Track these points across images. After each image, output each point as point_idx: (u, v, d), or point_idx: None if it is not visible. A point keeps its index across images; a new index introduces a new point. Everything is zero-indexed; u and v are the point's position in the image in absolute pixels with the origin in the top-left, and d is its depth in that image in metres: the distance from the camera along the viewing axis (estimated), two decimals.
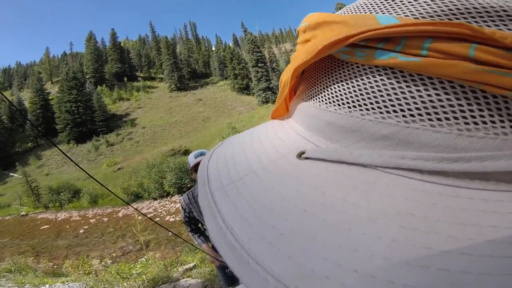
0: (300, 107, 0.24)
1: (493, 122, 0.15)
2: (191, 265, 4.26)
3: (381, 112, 0.17)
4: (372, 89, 0.18)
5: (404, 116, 0.17)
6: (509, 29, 0.15)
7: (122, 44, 70.96)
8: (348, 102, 0.19)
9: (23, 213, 22.13)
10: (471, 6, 0.16)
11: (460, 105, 0.15)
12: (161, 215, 13.98)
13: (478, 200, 0.14)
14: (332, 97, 0.21)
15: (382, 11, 0.19)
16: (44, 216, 19.93)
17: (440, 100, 0.16)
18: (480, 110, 0.15)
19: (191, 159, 2.00)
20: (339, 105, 0.20)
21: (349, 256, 0.13)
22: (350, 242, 0.14)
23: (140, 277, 3.73)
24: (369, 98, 0.18)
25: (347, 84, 0.20)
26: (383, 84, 0.18)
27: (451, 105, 0.16)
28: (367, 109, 0.18)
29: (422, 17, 0.17)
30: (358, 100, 0.19)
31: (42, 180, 28.06)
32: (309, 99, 0.23)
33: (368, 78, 0.18)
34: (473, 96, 0.15)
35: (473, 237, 0.13)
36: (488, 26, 0.15)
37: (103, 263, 5.16)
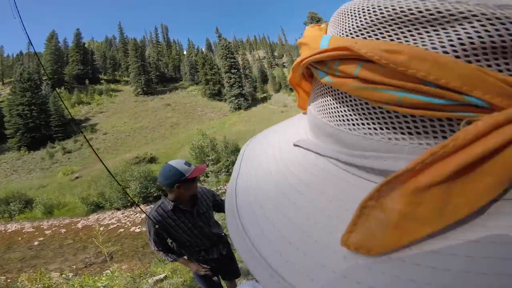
0: (307, 109, 0.29)
1: (381, 129, 0.19)
2: (162, 276, 4.18)
3: (328, 118, 0.23)
4: (324, 99, 0.24)
5: (337, 120, 0.22)
6: (401, 36, 0.17)
7: (86, 45, 67.04)
8: (317, 107, 0.25)
9: None
10: (377, 16, 0.18)
11: (359, 114, 0.20)
12: (126, 226, 13.39)
13: (368, 188, 0.17)
14: (314, 101, 0.26)
15: (329, 30, 0.24)
16: None
17: (350, 110, 0.20)
18: (371, 119, 0.19)
19: (184, 169, 1.78)
20: (315, 108, 0.26)
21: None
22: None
23: None
24: (324, 106, 0.24)
25: (316, 93, 0.26)
26: (326, 96, 0.23)
27: (359, 114, 0.20)
28: (324, 114, 0.24)
29: (350, 34, 0.20)
30: (320, 106, 0.24)
31: None
32: (309, 103, 0.29)
33: (322, 90, 0.24)
34: (366, 107, 0.19)
35: (349, 209, 0.17)
36: (396, 36, 0.17)
37: (63, 276, 4.85)
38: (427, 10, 0.16)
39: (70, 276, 5.25)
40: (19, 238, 14.43)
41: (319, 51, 0.20)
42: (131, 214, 15.72)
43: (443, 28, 0.16)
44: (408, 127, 0.17)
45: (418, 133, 0.17)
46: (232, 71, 43.40)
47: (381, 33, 0.18)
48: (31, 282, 4.17)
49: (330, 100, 0.23)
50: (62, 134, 38.48)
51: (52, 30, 57.66)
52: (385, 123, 0.18)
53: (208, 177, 7.96)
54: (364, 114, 0.19)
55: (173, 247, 1.96)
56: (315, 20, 36.03)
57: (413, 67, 0.15)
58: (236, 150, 19.16)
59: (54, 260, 9.59)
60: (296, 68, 0.25)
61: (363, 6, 0.19)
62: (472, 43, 0.15)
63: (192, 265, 1.96)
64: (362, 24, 0.19)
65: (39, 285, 4.06)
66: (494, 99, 0.14)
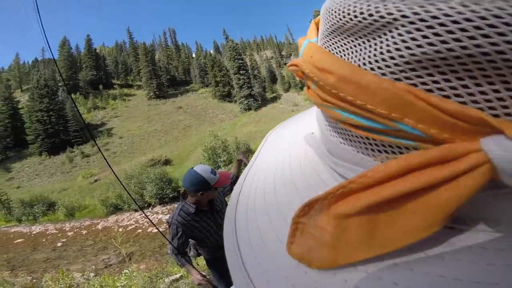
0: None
1: (346, 143, 0.19)
2: (178, 276, 4.26)
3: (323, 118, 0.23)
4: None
5: (330, 131, 0.22)
6: (345, 44, 0.17)
7: (98, 51, 68.92)
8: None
9: None
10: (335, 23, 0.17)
11: (333, 126, 0.20)
12: (143, 227, 13.68)
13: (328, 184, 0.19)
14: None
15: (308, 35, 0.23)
16: (17, 230, 19.00)
17: (327, 119, 0.21)
18: (338, 131, 0.19)
19: (210, 178, 1.81)
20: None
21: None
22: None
23: None
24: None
25: None
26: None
27: (331, 125, 0.20)
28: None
29: (319, 40, 0.20)
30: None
31: (13, 193, 26.45)
32: None
33: None
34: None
35: (314, 187, 0.19)
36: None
37: (85, 276, 5.05)
38: (363, 14, 0.14)
39: (91, 276, 5.46)
40: (43, 240, 14.96)
41: (289, 64, 0.20)
42: (149, 215, 16.05)
43: (378, 37, 0.14)
44: (365, 144, 0.17)
45: (379, 150, 0.16)
46: (241, 72, 43.45)
47: (331, 44, 0.17)
48: (54, 282, 4.37)
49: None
50: (80, 139, 39.76)
51: (63, 36, 59.64)
52: (347, 138, 0.18)
53: None
54: (333, 126, 0.19)
55: (187, 251, 2.01)
56: None
57: (341, 90, 0.15)
58: (247, 151, 19.22)
59: (76, 261, 9.92)
60: (290, 69, 0.24)
61: (330, 8, 0.17)
62: (401, 56, 0.13)
63: (194, 273, 1.96)
64: (323, 31, 0.18)
65: (62, 285, 4.25)
66: (430, 130, 0.13)
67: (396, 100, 0.13)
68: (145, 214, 1.94)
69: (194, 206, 1.88)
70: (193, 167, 1.89)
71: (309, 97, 0.19)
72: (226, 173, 2.03)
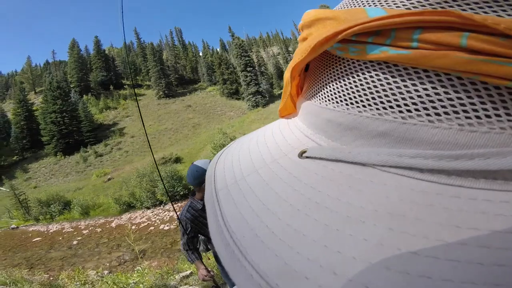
0: (304, 105, 0.24)
1: (498, 115, 0.14)
2: (188, 272, 4.33)
3: (377, 109, 0.17)
4: (368, 85, 0.17)
5: (400, 112, 0.16)
6: (498, 15, 0.14)
7: (106, 52, 70.04)
8: (345, 99, 0.19)
9: (13, 226, 21.65)
10: None
11: (459, 98, 0.14)
12: (155, 224, 13.93)
13: (481, 201, 0.13)
14: (331, 94, 0.20)
15: (370, 3, 0.19)
16: (35, 229, 19.60)
17: (437, 94, 0.15)
18: (482, 103, 0.14)
19: (206, 166, 1.86)
20: (337, 102, 0.20)
21: (331, 257, 0.13)
22: (336, 243, 0.13)
23: (137, 286, 3.82)
24: (365, 94, 0.18)
25: (343, 80, 0.19)
26: (378, 80, 0.17)
27: (450, 99, 0.15)
28: (364, 106, 0.18)
29: (414, 7, 0.16)
30: (355, 97, 0.18)
31: (30, 192, 27.35)
32: (311, 97, 0.23)
33: (363, 73, 0.18)
34: (473, 88, 0.14)
35: (466, 241, 0.12)
36: (484, 12, 0.14)
37: (99, 273, 5.18)
38: None
39: (105, 273, 5.60)
40: (60, 238, 15.39)
41: (382, 17, 0.16)
42: (160, 213, 16.33)
43: None
44: None
45: None
46: (248, 69, 43.30)
47: (465, 5, 0.14)
48: (70, 280, 4.51)
49: (385, 83, 0.17)
50: (93, 139, 40.67)
51: (72, 38, 60.78)
52: (504, 107, 0.13)
53: None
54: (460, 96, 0.14)
55: (198, 247, 2.05)
56: None
57: None
58: None
59: (91, 259, 10.19)
60: (320, 46, 0.19)
61: None
62: None
63: (200, 269, 1.99)
64: None
65: (77, 283, 4.37)
66: None
67: None
68: (174, 208, 2.01)
69: (202, 202, 1.90)
70: (193, 163, 1.94)
71: (426, 58, 0.15)
72: None
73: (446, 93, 0.15)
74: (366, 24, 0.16)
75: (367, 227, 0.14)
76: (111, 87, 59.23)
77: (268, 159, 0.22)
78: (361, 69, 0.18)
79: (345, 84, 0.19)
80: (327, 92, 0.21)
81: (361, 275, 0.12)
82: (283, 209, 0.17)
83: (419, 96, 0.15)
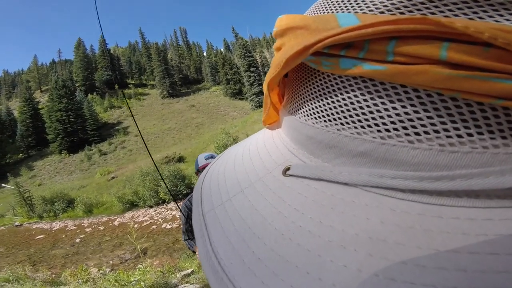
0: (285, 119, 0.23)
1: (481, 133, 0.13)
2: (189, 271, 4.34)
3: (355, 127, 0.16)
4: (344, 101, 0.16)
5: (379, 131, 0.15)
6: (480, 18, 0.13)
7: (112, 51, 70.60)
8: (323, 116, 0.18)
9: (17, 223, 21.82)
10: None
11: (439, 116, 0.14)
12: (158, 223, 13.97)
13: (463, 220, 0.13)
14: (309, 110, 0.19)
15: (342, 8, 0.17)
16: (39, 226, 19.71)
17: (416, 112, 0.14)
18: (464, 120, 0.13)
19: (200, 160, 1.96)
20: (315, 118, 0.19)
21: (312, 284, 0.13)
22: (317, 269, 0.13)
23: (138, 284, 3.82)
24: (342, 111, 0.17)
25: (320, 96, 0.18)
26: (355, 96, 0.16)
27: (430, 117, 0.14)
28: (342, 124, 0.17)
29: (388, 10, 0.15)
30: (332, 114, 0.17)
31: (35, 190, 27.58)
32: (291, 110, 0.22)
33: (339, 89, 0.17)
34: (454, 105, 0.13)
35: (445, 265, 0.11)
36: (456, 16, 0.13)
37: (101, 271, 5.21)
38: None
39: (107, 271, 5.62)
40: (63, 236, 15.44)
41: (353, 27, 0.14)
42: (163, 211, 16.39)
43: None
44: None
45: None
46: (251, 69, 43.32)
47: (446, 10, 0.13)
48: (72, 277, 4.53)
49: (362, 102, 0.16)
50: (97, 138, 40.95)
51: (78, 38, 61.30)
52: (487, 125, 0.13)
53: None
54: (444, 116, 0.13)
55: None
56: None
57: None
58: None
59: (94, 256, 10.23)
60: (292, 60, 0.17)
61: None
62: None
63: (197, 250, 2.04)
64: (404, 1, 0.14)
65: (79, 280, 4.39)
66: None
67: None
68: (177, 204, 2.14)
69: None
70: None
71: (401, 74, 0.13)
72: None
73: (425, 111, 0.14)
74: (336, 36, 0.15)
75: (348, 253, 0.13)
76: (116, 86, 59.59)
77: (253, 177, 0.22)
78: (337, 84, 0.17)
79: (321, 100, 0.18)
80: (305, 107, 0.20)
81: None
82: (268, 233, 0.17)
83: (397, 115, 0.15)
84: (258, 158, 0.24)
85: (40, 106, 47.93)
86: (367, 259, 0.13)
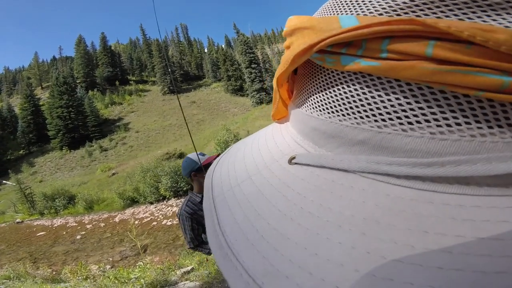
0: (293, 112, 0.25)
1: (468, 123, 0.14)
2: (189, 268, 4.32)
3: (355, 118, 0.18)
4: (346, 95, 0.18)
5: (376, 121, 0.17)
6: (469, 18, 0.14)
7: (112, 48, 70.29)
8: (327, 108, 0.20)
9: (18, 220, 21.91)
10: None
11: (429, 107, 0.15)
12: (158, 219, 13.98)
13: (453, 206, 0.14)
14: (314, 103, 0.21)
15: (345, 10, 0.19)
16: (40, 223, 19.77)
17: (408, 104, 0.15)
18: (452, 111, 0.15)
19: (195, 158, 1.90)
20: (320, 111, 0.21)
21: (309, 259, 0.14)
22: (314, 245, 0.15)
23: (138, 282, 3.80)
24: (344, 104, 0.18)
25: (324, 90, 0.20)
26: (355, 90, 0.18)
27: (421, 108, 0.15)
28: (343, 115, 0.18)
29: (387, 13, 0.16)
30: (335, 106, 0.19)
31: (36, 187, 27.73)
32: (299, 105, 0.24)
33: (341, 83, 0.19)
34: (443, 97, 0.15)
35: (431, 247, 0.12)
36: (447, 16, 0.14)
37: (101, 268, 5.20)
38: None
39: (107, 268, 5.62)
40: (64, 232, 15.49)
41: (352, 28, 0.16)
42: (163, 208, 16.39)
43: None
44: (506, 118, 0.14)
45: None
46: (252, 66, 43.14)
47: (438, 12, 0.15)
48: (72, 274, 4.52)
49: (361, 95, 0.17)
50: (98, 134, 40.99)
51: (79, 35, 61.12)
52: (474, 115, 0.14)
53: None
54: (431, 106, 0.15)
55: (205, 239, 1.93)
56: None
57: None
58: None
59: (94, 253, 10.24)
60: (299, 57, 0.20)
61: None
62: None
63: None
64: (400, 3, 0.16)
65: (80, 277, 4.38)
66: None
67: None
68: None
69: (200, 195, 1.86)
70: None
71: (393, 69, 0.15)
72: (216, 155, 2.07)
73: (417, 102, 0.15)
74: (337, 36, 0.17)
75: (343, 232, 0.15)
76: (117, 82, 59.48)
77: (261, 165, 0.23)
78: (339, 79, 0.19)
79: (326, 94, 0.20)
80: (311, 101, 0.22)
81: (333, 275, 0.13)
82: (272, 214, 0.18)
83: (392, 106, 0.16)
84: (266, 149, 0.25)
85: (41, 103, 47.93)
86: (361, 237, 0.14)
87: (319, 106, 0.21)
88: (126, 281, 3.96)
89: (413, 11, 0.15)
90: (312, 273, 0.13)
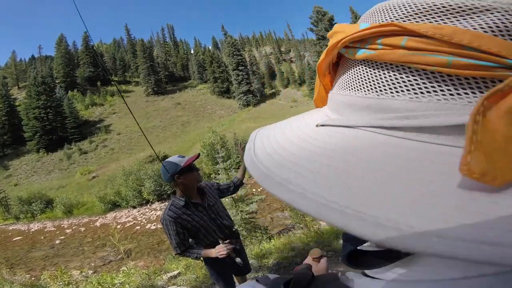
0: (329, 95, 0.33)
1: (435, 91, 0.21)
2: (176, 272, 4.25)
3: (364, 90, 0.25)
4: (358, 75, 0.26)
5: (376, 91, 0.24)
6: (436, 21, 0.21)
7: (96, 47, 68.31)
8: (348, 87, 0.27)
9: None
10: (414, 9, 0.22)
11: (408, 79, 0.22)
12: (142, 223, 13.70)
13: (419, 150, 0.20)
14: (342, 84, 0.29)
15: (365, 20, 0.27)
16: (15, 228, 19.05)
17: (396, 77, 0.23)
18: (423, 82, 0.21)
19: (178, 160, 1.85)
20: (344, 89, 0.28)
21: (301, 169, 0.22)
22: (314, 167, 0.22)
23: (123, 287, 3.74)
24: (357, 82, 0.26)
25: (347, 73, 0.28)
26: (363, 71, 0.25)
27: (403, 81, 0.22)
28: (357, 89, 0.26)
29: (384, 20, 0.24)
30: (353, 84, 0.27)
31: (10, 190, 26.44)
32: (333, 87, 0.32)
33: (356, 67, 0.26)
34: (417, 73, 0.22)
35: (377, 176, 0.19)
36: (423, 21, 0.22)
37: (83, 273, 5.04)
38: (455, 3, 0.20)
39: (89, 273, 5.46)
40: (42, 237, 14.95)
41: (362, 29, 0.24)
42: (147, 212, 16.07)
43: (471, 17, 0.20)
44: (455, 87, 0.20)
45: (466, 92, 0.19)
46: (240, 68, 43.32)
47: (419, 19, 0.22)
48: (53, 280, 4.37)
49: (367, 73, 0.25)
50: (78, 136, 39.65)
51: (60, 34, 59.10)
52: (437, 85, 0.21)
53: (218, 174, 7.98)
54: (409, 79, 0.22)
55: (192, 244, 1.91)
56: (321, 14, 35.17)
57: (457, 37, 0.19)
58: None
59: (75, 258, 9.93)
60: (331, 50, 0.28)
61: (400, 2, 0.24)
62: (497, 26, 0.19)
63: (213, 250, 1.85)
64: (400, 14, 0.23)
65: (60, 283, 4.24)
66: None
67: (505, 44, 0.18)
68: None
69: (183, 199, 1.83)
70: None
71: (383, 55, 0.23)
72: (195, 155, 2.06)
73: (401, 77, 0.22)
74: (351, 35, 0.25)
75: (332, 159, 0.22)
76: (98, 83, 57.79)
77: (295, 127, 0.31)
78: (355, 65, 0.27)
79: (348, 76, 0.28)
80: (340, 82, 0.29)
81: (302, 181, 0.21)
82: (293, 146, 0.26)
83: (386, 80, 0.23)
84: (302, 120, 0.33)
85: (17, 103, 45.78)
86: (342, 163, 0.21)
87: (343, 86, 0.28)
88: (110, 286, 3.87)
89: (405, 20, 0.23)
90: (303, 174, 0.21)
